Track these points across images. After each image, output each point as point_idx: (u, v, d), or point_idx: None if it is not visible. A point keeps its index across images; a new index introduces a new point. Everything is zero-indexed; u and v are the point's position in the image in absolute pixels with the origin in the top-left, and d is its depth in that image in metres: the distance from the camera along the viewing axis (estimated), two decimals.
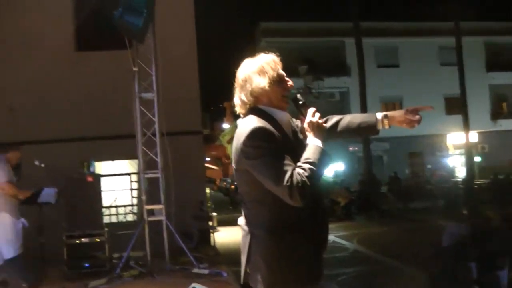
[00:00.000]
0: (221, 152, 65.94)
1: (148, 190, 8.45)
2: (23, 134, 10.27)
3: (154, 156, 8.32)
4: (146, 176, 8.38)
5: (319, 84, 21.81)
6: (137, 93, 8.28)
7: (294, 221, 2.52)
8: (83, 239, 7.53)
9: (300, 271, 2.57)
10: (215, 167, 60.17)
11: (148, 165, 8.49)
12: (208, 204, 18.61)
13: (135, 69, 8.22)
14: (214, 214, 19.19)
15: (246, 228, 2.66)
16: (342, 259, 13.10)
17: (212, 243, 10.83)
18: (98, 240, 7.53)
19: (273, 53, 2.75)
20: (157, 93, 8.28)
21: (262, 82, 2.60)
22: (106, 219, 10.86)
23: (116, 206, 10.99)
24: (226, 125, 64.84)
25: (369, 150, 24.71)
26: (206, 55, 16.88)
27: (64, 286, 6.45)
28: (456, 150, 33.85)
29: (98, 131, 10.56)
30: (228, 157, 65.23)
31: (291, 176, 2.36)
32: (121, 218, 11.64)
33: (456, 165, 35.09)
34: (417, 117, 2.80)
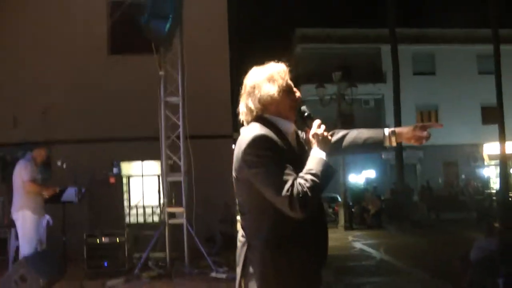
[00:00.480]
0: None
1: (171, 193, 8.50)
2: (54, 134, 10.49)
3: (177, 160, 8.39)
4: (169, 179, 8.45)
5: (353, 91, 21.63)
6: (163, 97, 8.36)
7: (294, 233, 2.48)
8: (103, 239, 7.64)
9: (297, 285, 2.53)
10: None
11: (172, 168, 8.56)
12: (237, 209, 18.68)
13: (161, 73, 8.30)
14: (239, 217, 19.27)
15: (242, 239, 2.61)
16: (368, 268, 12.97)
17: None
18: (118, 240, 7.62)
19: (284, 64, 2.72)
20: (183, 97, 8.33)
21: (272, 90, 2.56)
22: (133, 219, 11.01)
23: (142, 207, 11.10)
24: None
25: (402, 158, 24.39)
26: (240, 59, 16.93)
27: (82, 284, 6.54)
28: (492, 160, 33.10)
29: (125, 133, 10.71)
30: None
31: (292, 185, 2.32)
32: (148, 219, 11.77)
33: (491, 176, 34.30)
34: (425, 133, 2.78)
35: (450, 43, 32.96)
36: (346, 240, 17.96)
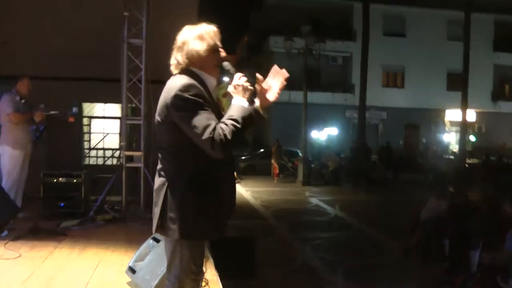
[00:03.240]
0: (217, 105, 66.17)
1: (132, 137, 8.42)
2: (13, 69, 10.18)
3: (138, 103, 8.28)
4: (128, 122, 8.36)
5: (321, 47, 21.55)
6: (126, 38, 8.18)
7: (212, 179, 2.78)
8: (60, 179, 7.53)
9: (211, 226, 2.83)
10: None
11: (133, 111, 8.47)
12: None
13: (125, 13, 8.09)
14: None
15: (161, 179, 2.84)
16: (321, 223, 13.30)
17: None
18: (75, 181, 7.53)
19: (214, 25, 2.94)
20: (146, 40, 8.16)
21: (199, 47, 2.82)
22: (92, 161, 10.90)
23: (102, 149, 10.98)
24: (226, 79, 64.88)
25: (364, 117, 24.65)
26: (208, 5, 16.58)
27: (37, 224, 6.47)
28: (453, 127, 33.86)
29: (88, 73, 10.47)
30: (223, 110, 65.85)
31: (214, 129, 2.58)
32: (108, 161, 11.67)
33: (452, 142, 35.14)
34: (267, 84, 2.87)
35: (422, 7, 32.94)
36: (303, 195, 18.26)
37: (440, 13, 33.12)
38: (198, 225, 2.77)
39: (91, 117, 10.34)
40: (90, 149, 10.05)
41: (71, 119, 7.71)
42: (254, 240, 7.92)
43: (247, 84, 2.80)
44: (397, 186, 21.44)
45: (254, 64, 39.75)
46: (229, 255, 6.55)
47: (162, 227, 2.81)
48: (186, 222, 2.74)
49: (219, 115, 2.76)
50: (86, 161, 10.40)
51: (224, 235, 2.94)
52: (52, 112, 7.52)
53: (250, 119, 2.70)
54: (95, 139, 10.84)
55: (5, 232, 6.34)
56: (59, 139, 7.73)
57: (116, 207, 7.98)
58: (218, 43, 2.91)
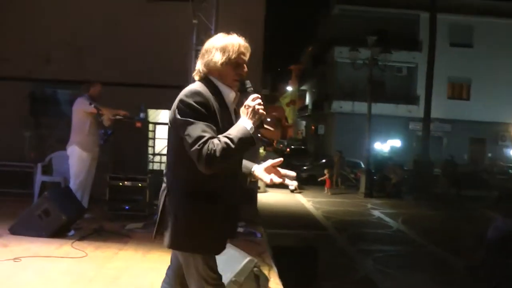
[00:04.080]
0: (281, 114, 66.33)
1: None
2: (84, 74, 10.56)
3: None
4: None
5: (387, 57, 21.26)
6: (194, 46, 8.31)
7: (210, 190, 2.67)
8: (126, 182, 7.72)
9: (203, 238, 2.68)
10: (271, 128, 60.58)
11: None
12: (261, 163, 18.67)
13: (194, 21, 8.23)
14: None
15: (163, 184, 2.82)
16: (383, 236, 13.06)
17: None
18: (140, 185, 7.70)
19: (244, 39, 2.87)
20: None
21: (218, 59, 2.75)
22: (156, 166, 11.11)
23: (163, 155, 11.19)
24: (289, 88, 65.05)
25: (429, 130, 24.09)
26: (276, 16, 16.69)
27: (102, 225, 6.66)
28: None
29: (154, 80, 10.73)
30: (287, 119, 65.98)
31: (205, 142, 2.48)
32: None
33: None
34: (276, 179, 2.88)
35: (491, 16, 31.95)
36: (365, 207, 18.01)
37: (510, 23, 32.02)
38: (191, 237, 2.67)
39: (156, 123, 10.54)
40: (154, 154, 10.24)
41: (138, 124, 7.89)
42: (316, 250, 7.86)
43: (259, 108, 2.67)
44: (460, 202, 20.78)
45: (318, 74, 39.69)
46: (292, 265, 6.53)
47: (162, 234, 2.78)
48: (180, 231, 2.68)
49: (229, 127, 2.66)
50: (150, 166, 10.61)
51: (221, 251, 2.80)
52: (119, 117, 7.73)
53: (248, 143, 2.58)
54: (159, 145, 11.05)
55: (72, 232, 6.57)
56: (125, 143, 7.92)
57: None
58: (243, 57, 2.82)
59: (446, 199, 20.63)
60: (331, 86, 33.82)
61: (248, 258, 4.32)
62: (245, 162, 2.97)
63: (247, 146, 2.59)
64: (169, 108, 9.48)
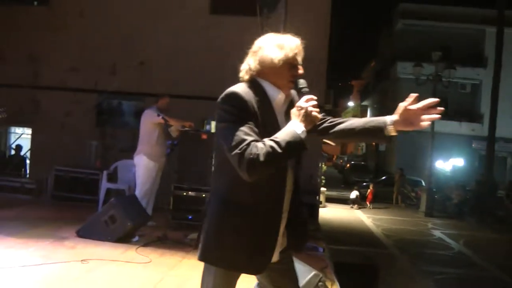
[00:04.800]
0: None
1: None
2: (149, 87, 10.86)
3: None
4: None
5: (451, 73, 20.81)
6: None
7: (249, 201, 2.42)
8: (189, 192, 7.84)
9: (237, 256, 2.44)
10: (332, 143, 60.26)
11: None
12: (322, 179, 18.60)
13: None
14: (323, 189, 19.12)
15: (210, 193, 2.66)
16: (444, 258, 12.70)
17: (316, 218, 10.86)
18: (203, 195, 7.80)
19: (299, 39, 2.59)
20: None
21: (275, 55, 2.49)
22: None
23: None
24: (351, 103, 64.57)
25: (493, 149, 23.33)
26: (338, 30, 16.67)
27: (166, 233, 6.77)
28: None
29: (218, 93, 10.87)
30: None
31: (248, 145, 2.24)
32: None
33: None
34: (425, 116, 2.46)
35: None
36: (426, 226, 17.61)
37: None
38: (219, 250, 2.44)
39: None
40: None
41: (204, 136, 8.01)
42: (377, 268, 7.74)
43: (312, 109, 2.39)
44: None
45: (380, 90, 39.25)
46: (354, 282, 6.45)
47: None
48: (208, 241, 2.48)
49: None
50: None
51: (261, 273, 2.53)
52: (186, 128, 7.88)
53: (297, 147, 2.32)
54: None
55: (136, 238, 6.73)
56: (190, 154, 8.06)
57: None
58: (298, 58, 2.57)
59: (510, 222, 19.87)
60: (393, 102, 33.33)
61: (313, 272, 4.31)
62: (371, 120, 2.61)
63: (296, 151, 2.35)
64: None
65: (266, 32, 7.86)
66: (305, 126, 2.36)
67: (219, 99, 2.42)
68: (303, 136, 2.32)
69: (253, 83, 2.51)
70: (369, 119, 2.64)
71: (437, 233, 16.07)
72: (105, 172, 9.13)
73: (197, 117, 8.92)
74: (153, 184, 7.82)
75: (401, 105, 2.49)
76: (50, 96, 11.51)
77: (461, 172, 28.96)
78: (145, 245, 6.41)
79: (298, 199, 2.64)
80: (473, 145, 31.12)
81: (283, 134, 2.31)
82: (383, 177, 26.48)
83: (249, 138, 2.26)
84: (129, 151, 8.40)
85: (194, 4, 11.37)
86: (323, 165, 22.34)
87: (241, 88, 2.44)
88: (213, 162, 2.63)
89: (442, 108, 2.48)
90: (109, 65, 11.40)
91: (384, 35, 38.41)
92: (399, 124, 2.50)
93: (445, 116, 28.65)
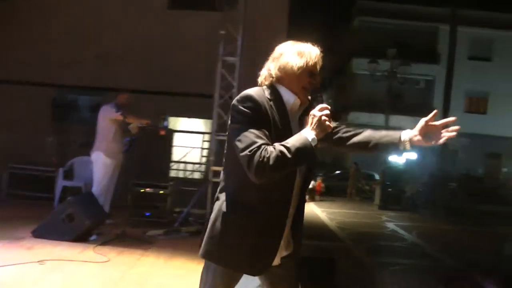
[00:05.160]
0: None
1: (218, 152, 8.59)
2: (106, 81, 10.73)
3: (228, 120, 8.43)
4: (218, 137, 8.54)
5: (406, 69, 21.26)
6: (221, 56, 8.39)
7: (254, 203, 2.45)
8: (148, 189, 7.82)
9: (239, 256, 2.48)
10: None
11: (221, 127, 8.62)
12: None
13: (222, 32, 8.31)
14: None
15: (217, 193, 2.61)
16: (398, 249, 12.95)
17: None
18: (162, 192, 7.79)
19: (319, 49, 2.68)
20: (240, 58, 8.35)
21: (296, 62, 2.54)
22: (173, 173, 11.20)
23: (185, 162, 11.27)
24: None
25: (446, 143, 23.94)
26: (296, 26, 16.79)
27: (124, 231, 6.73)
28: None
29: (178, 88, 10.83)
30: None
31: (258, 148, 2.28)
32: (188, 174, 11.94)
33: None
34: (443, 134, 2.61)
35: (511, 30, 31.81)
36: (380, 219, 17.92)
37: None
38: (222, 248, 2.46)
39: (183, 131, 10.64)
40: (175, 162, 10.33)
41: (162, 132, 7.98)
42: (334, 262, 7.85)
43: (325, 118, 2.42)
44: (476, 216, 20.60)
45: (337, 85, 39.73)
46: (312, 276, 6.53)
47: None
48: (212, 239, 2.48)
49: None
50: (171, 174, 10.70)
51: (261, 274, 2.59)
52: (145, 125, 7.83)
53: (307, 154, 2.35)
54: (178, 153, 11.13)
55: (94, 236, 6.68)
56: (149, 151, 8.02)
57: (199, 220, 8.16)
58: (317, 67, 2.63)
59: (462, 214, 20.46)
60: (348, 97, 33.82)
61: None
62: (386, 134, 2.72)
63: (305, 158, 2.39)
64: (189, 116, 9.73)
65: (227, 27, 7.94)
66: (317, 135, 2.39)
67: (234, 101, 2.45)
68: (313, 144, 2.36)
69: (270, 87, 2.55)
70: (384, 133, 2.74)
71: (391, 226, 16.38)
72: (61, 170, 9.00)
73: (155, 112, 8.89)
74: (111, 181, 7.75)
75: (423, 120, 2.61)
76: (3, 90, 11.23)
77: (414, 165, 29.58)
78: (103, 243, 6.36)
79: (303, 206, 2.68)
80: None
81: (294, 140, 2.34)
82: (337, 171, 26.85)
83: (260, 141, 2.30)
84: (88, 146, 8.29)
85: None
86: None
87: (256, 91, 2.48)
88: (223, 161, 2.62)
89: (457, 127, 2.60)
90: (66, 58, 11.18)
91: (341, 31, 38.85)
92: (418, 139, 2.62)
93: (399, 111, 29.34)
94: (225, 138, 7.63)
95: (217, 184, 7.73)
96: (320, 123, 2.41)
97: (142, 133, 7.88)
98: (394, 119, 25.15)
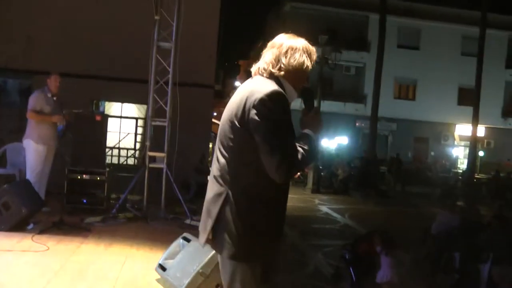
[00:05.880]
0: None
1: (153, 137, 8.61)
2: (36, 64, 10.43)
3: (163, 105, 8.45)
4: (154, 123, 8.52)
5: (336, 56, 21.72)
6: (156, 41, 8.36)
7: (271, 195, 2.51)
8: (84, 176, 7.71)
9: (267, 245, 2.56)
10: (219, 123, 60.61)
11: (156, 112, 8.62)
12: (209, 159, 18.74)
13: (156, 17, 8.27)
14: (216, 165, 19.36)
15: (220, 187, 2.52)
16: (331, 231, 13.34)
17: None
18: (98, 178, 7.70)
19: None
20: (175, 44, 8.34)
21: (304, 62, 2.61)
22: (108, 159, 11.08)
23: (120, 148, 11.17)
24: (238, 83, 65.06)
25: (376, 128, 24.74)
26: (227, 11, 16.83)
27: (62, 218, 6.64)
28: (462, 141, 33.88)
29: (112, 72, 10.68)
30: None
31: (290, 148, 2.39)
32: (122, 160, 11.84)
33: (460, 156, 35.19)
34: None
35: (437, 21, 33.07)
36: (313, 202, 18.29)
37: (455, 28, 33.21)
38: (255, 245, 2.48)
39: (120, 117, 10.52)
40: (110, 148, 10.22)
41: (98, 118, 7.88)
42: None
43: (322, 121, 2.62)
44: (405, 198, 21.45)
45: None
46: None
47: (216, 243, 2.54)
48: (242, 240, 2.46)
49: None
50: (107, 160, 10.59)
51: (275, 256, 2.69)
52: (79, 111, 7.70)
53: (315, 156, 2.54)
54: (110, 139, 11.00)
55: (31, 225, 6.55)
56: (84, 137, 7.91)
57: (136, 206, 8.15)
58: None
59: (391, 196, 21.24)
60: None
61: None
62: None
63: (314, 158, 2.54)
64: (122, 101, 9.66)
65: (160, 14, 7.90)
66: (316, 133, 2.57)
67: (263, 95, 2.40)
68: (317, 144, 2.54)
69: (278, 81, 2.55)
70: None
71: (324, 208, 16.81)
72: None
73: (87, 97, 8.76)
74: (44, 168, 7.55)
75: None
76: None
77: (345, 149, 30.36)
78: (41, 232, 6.26)
79: None
80: (356, 124, 32.73)
81: (307, 144, 2.47)
82: None
83: (292, 142, 2.41)
84: (18, 132, 8.06)
85: None
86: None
87: (277, 88, 2.48)
88: (223, 155, 2.56)
89: None
90: None
91: (273, 16, 39.03)
92: None
93: (330, 97, 30.01)
94: (162, 123, 7.60)
95: (154, 169, 7.73)
96: (320, 126, 2.60)
97: (77, 118, 7.75)
98: (326, 105, 25.73)
